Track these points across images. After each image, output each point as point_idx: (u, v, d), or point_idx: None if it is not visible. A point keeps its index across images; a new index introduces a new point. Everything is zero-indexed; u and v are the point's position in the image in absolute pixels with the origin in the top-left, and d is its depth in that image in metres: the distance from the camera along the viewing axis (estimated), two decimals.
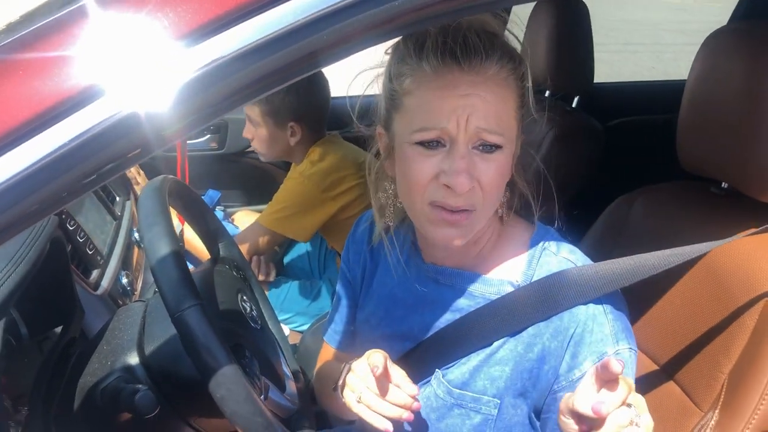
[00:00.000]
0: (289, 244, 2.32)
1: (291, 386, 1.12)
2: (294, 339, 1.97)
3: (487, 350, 1.01)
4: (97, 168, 0.64)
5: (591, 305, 0.96)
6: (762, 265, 1.09)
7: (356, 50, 0.70)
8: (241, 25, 0.63)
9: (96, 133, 0.61)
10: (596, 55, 2.26)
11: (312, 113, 2.00)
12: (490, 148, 0.91)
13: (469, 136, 0.89)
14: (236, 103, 0.67)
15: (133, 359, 0.96)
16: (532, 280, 1.00)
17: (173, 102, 0.63)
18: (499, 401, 1.00)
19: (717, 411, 1.07)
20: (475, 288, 1.04)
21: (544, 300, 0.97)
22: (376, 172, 1.08)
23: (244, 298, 1.10)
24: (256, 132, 2.02)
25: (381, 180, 1.08)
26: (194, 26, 0.62)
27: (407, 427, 1.09)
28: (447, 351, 1.04)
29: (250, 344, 0.99)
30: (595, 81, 2.30)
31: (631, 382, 0.76)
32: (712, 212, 1.24)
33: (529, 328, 0.98)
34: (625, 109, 2.54)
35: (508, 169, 0.96)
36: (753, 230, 1.09)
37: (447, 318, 1.06)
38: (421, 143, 0.91)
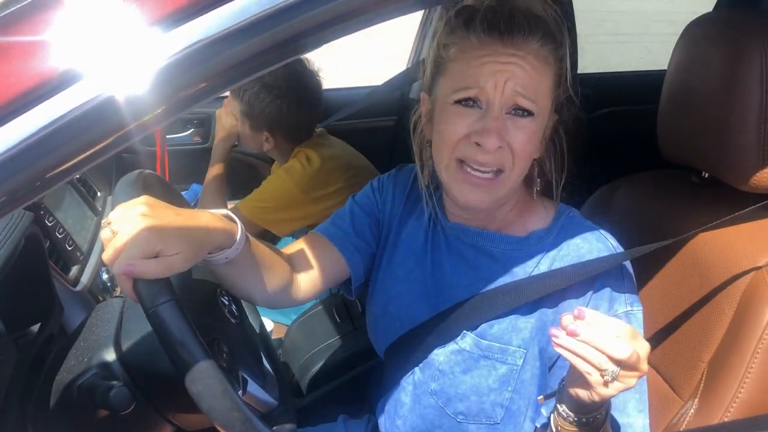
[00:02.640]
0: (274, 237, 2.31)
1: (272, 381, 1.11)
2: (279, 333, 1.96)
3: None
4: (74, 155, 0.63)
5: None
6: (740, 254, 1.09)
7: (333, 38, 0.69)
8: (218, 9, 0.62)
9: (72, 118, 0.60)
10: (585, 46, 2.26)
11: (291, 128, 1.94)
12: (523, 113, 0.98)
13: (505, 99, 0.96)
14: (215, 90, 0.67)
15: (110, 355, 0.95)
16: (555, 236, 1.06)
17: (151, 86, 0.62)
18: (525, 351, 1.05)
19: (697, 399, 1.08)
20: (496, 246, 1.09)
21: (579, 274, 1.00)
22: (419, 134, 1.13)
23: (224, 292, 1.09)
24: (239, 129, 1.99)
25: (422, 143, 1.13)
26: (171, 10, 0.61)
27: (432, 383, 1.11)
28: (478, 316, 1.07)
29: (228, 339, 0.98)
30: (582, 71, 2.30)
31: (640, 347, 0.81)
32: (693, 201, 1.25)
33: None
34: (610, 99, 2.54)
35: (537, 140, 1.02)
36: (734, 215, 1.09)
37: (471, 276, 1.10)
38: (460, 102, 0.99)
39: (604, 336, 0.80)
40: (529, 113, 0.98)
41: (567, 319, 0.83)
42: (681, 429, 1.08)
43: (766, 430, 0.74)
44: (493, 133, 0.96)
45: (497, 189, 1.01)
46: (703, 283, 1.13)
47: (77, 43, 0.62)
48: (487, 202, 1.02)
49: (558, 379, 1.00)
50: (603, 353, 0.80)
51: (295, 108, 1.90)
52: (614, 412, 1.00)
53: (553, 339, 0.83)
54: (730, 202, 1.16)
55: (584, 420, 0.90)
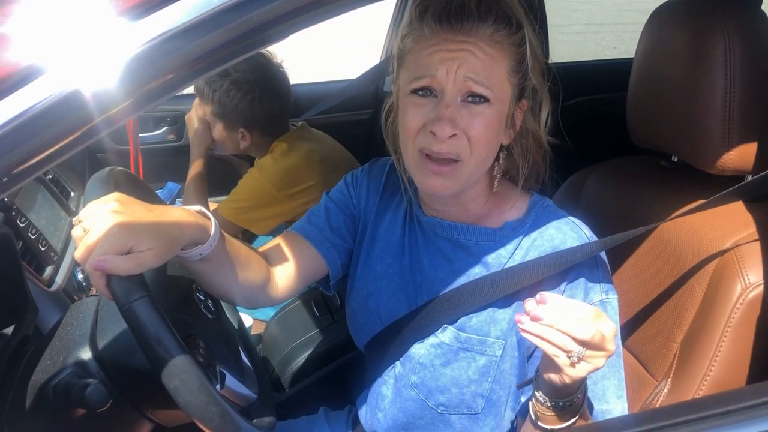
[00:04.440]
0: (252, 235, 2.30)
1: (251, 375, 1.11)
2: (258, 329, 1.96)
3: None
4: (41, 150, 0.62)
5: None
6: (711, 235, 1.11)
7: (297, 29, 0.69)
8: (181, 0, 0.62)
9: (38, 112, 0.60)
10: (559, 36, 2.28)
11: (265, 122, 1.93)
12: (478, 99, 0.97)
13: (457, 86, 0.96)
14: (182, 81, 0.66)
15: (86, 354, 0.94)
16: (529, 226, 1.06)
17: (118, 78, 0.62)
18: (504, 341, 1.05)
19: (670, 379, 1.10)
20: (470, 238, 1.09)
21: (552, 265, 1.01)
22: (391, 125, 1.13)
23: (199, 288, 1.09)
24: (213, 131, 1.97)
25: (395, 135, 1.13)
26: (134, 3, 0.61)
27: (412, 376, 1.12)
28: (456, 310, 1.07)
29: (205, 334, 0.98)
30: (555, 61, 2.31)
31: (605, 327, 0.82)
32: (663, 185, 1.27)
33: None
34: (583, 87, 2.56)
35: (497, 126, 1.01)
36: (703, 202, 1.11)
37: (447, 270, 1.10)
38: (415, 92, 0.99)
39: (566, 318, 0.81)
40: (485, 99, 0.97)
41: (530, 304, 0.84)
42: (655, 408, 1.10)
43: (735, 404, 0.76)
44: (445, 121, 0.96)
45: (457, 176, 1.01)
46: (674, 266, 1.15)
47: (40, 36, 0.61)
48: (451, 189, 1.02)
49: (536, 368, 1.01)
50: (566, 335, 0.81)
51: (267, 100, 1.88)
52: (593, 400, 1.01)
53: (519, 325, 0.84)
54: (699, 185, 1.18)
55: (561, 404, 0.91)
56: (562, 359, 0.83)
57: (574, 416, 0.93)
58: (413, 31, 1.01)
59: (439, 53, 0.97)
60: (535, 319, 0.83)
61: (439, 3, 0.98)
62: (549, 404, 0.92)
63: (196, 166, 1.98)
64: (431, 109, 0.98)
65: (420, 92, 0.99)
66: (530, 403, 0.97)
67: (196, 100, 1.97)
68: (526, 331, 0.83)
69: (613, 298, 1.04)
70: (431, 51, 0.98)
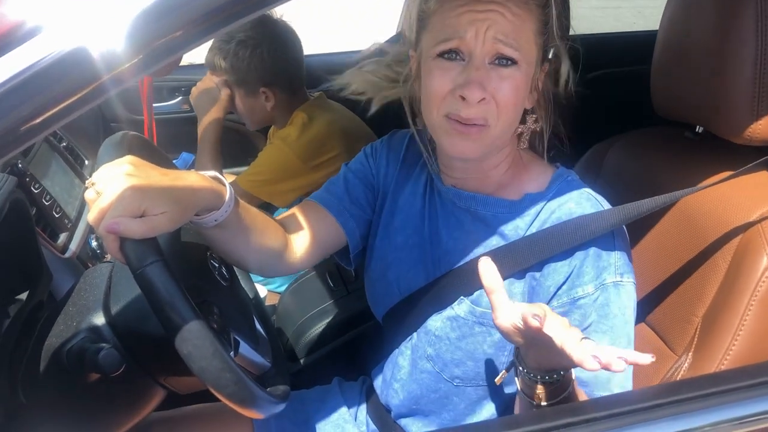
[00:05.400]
0: (270, 206, 2.29)
1: (265, 344, 1.11)
2: (272, 300, 1.96)
3: None
4: (49, 107, 0.61)
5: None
6: (735, 207, 1.08)
7: None
8: None
9: (44, 66, 0.58)
10: (578, 11, 2.22)
11: (282, 75, 1.90)
12: (506, 62, 0.95)
13: (486, 48, 0.94)
14: (191, 40, 0.65)
15: (99, 319, 0.94)
16: (549, 199, 1.03)
17: (124, 35, 0.60)
18: None
19: (690, 354, 1.07)
20: (489, 209, 1.07)
21: (572, 235, 0.98)
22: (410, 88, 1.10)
23: (214, 255, 1.08)
24: (236, 104, 1.95)
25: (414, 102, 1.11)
26: None
27: (428, 348, 1.11)
28: (473, 282, 1.04)
29: (219, 300, 0.97)
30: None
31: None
32: (687, 156, 1.24)
33: None
34: (605, 60, 2.51)
35: (524, 89, 0.99)
36: (729, 174, 1.08)
37: (465, 241, 1.09)
38: (442, 55, 0.96)
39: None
40: (513, 62, 0.95)
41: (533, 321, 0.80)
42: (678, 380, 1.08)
43: (761, 377, 0.74)
44: (475, 84, 0.93)
45: (484, 139, 0.98)
46: (696, 239, 1.12)
47: None
48: (478, 152, 0.99)
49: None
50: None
51: (277, 52, 1.86)
52: (596, 386, 0.99)
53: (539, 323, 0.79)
54: (724, 156, 1.15)
55: (548, 378, 0.88)
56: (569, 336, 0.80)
57: (564, 391, 0.90)
58: None
59: (467, 14, 0.94)
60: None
61: None
62: (537, 379, 0.89)
63: (206, 130, 1.95)
64: (459, 72, 0.95)
65: (446, 55, 0.96)
66: (518, 380, 0.94)
67: (208, 74, 1.95)
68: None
69: (629, 282, 1.00)
70: (459, 12, 0.94)
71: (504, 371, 0.99)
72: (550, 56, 1.02)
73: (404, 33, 1.09)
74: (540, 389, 0.90)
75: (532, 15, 0.96)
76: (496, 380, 1.00)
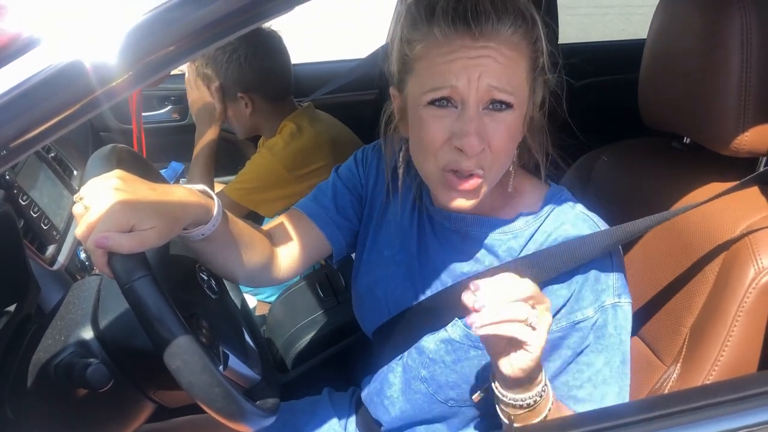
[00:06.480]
0: (257, 215, 2.29)
1: (254, 356, 1.10)
2: (262, 310, 1.95)
3: None
4: (40, 122, 0.61)
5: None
6: (723, 219, 1.09)
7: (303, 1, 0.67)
8: None
9: (37, 82, 0.58)
10: (566, 18, 2.25)
11: (263, 81, 1.88)
12: (500, 106, 0.92)
13: (480, 95, 0.90)
14: (184, 54, 0.65)
15: (87, 333, 0.93)
16: (544, 220, 1.02)
17: (118, 50, 0.60)
18: None
19: (679, 364, 1.08)
20: (482, 231, 1.05)
21: (570, 256, 0.97)
22: (389, 133, 1.10)
23: (203, 268, 1.07)
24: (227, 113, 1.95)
25: (395, 140, 1.10)
26: None
27: (422, 371, 1.10)
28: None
29: (208, 314, 0.97)
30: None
31: (535, 287, 0.83)
32: (675, 167, 1.24)
33: None
34: (592, 69, 2.53)
35: (517, 130, 0.97)
36: (720, 186, 1.08)
37: (456, 261, 1.07)
38: (433, 102, 0.92)
39: (503, 289, 0.81)
40: (508, 106, 0.92)
41: (468, 298, 0.82)
42: (663, 393, 1.08)
43: (748, 390, 0.74)
44: (473, 134, 0.90)
45: (480, 191, 0.96)
46: (684, 250, 1.13)
47: (39, 6, 0.59)
48: (474, 203, 0.97)
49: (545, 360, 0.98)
50: (517, 302, 0.80)
51: (255, 58, 1.85)
52: (590, 404, 0.99)
53: (473, 326, 0.81)
54: (711, 167, 1.16)
55: (521, 403, 0.89)
56: (522, 331, 0.81)
57: (540, 415, 0.90)
58: (421, 36, 0.93)
59: (458, 61, 0.89)
60: (480, 308, 0.80)
61: (447, 1, 0.90)
62: (512, 402, 0.90)
63: (202, 145, 1.94)
64: (453, 121, 0.92)
65: (437, 103, 0.92)
66: (498, 407, 0.94)
67: (189, 79, 1.94)
68: (484, 326, 0.80)
69: (626, 303, 0.99)
70: (448, 59, 0.90)
71: (479, 392, 0.99)
72: (543, 92, 1.00)
73: (387, 71, 1.05)
74: (513, 412, 0.90)
75: (523, 55, 0.93)
76: (474, 398, 1.00)
